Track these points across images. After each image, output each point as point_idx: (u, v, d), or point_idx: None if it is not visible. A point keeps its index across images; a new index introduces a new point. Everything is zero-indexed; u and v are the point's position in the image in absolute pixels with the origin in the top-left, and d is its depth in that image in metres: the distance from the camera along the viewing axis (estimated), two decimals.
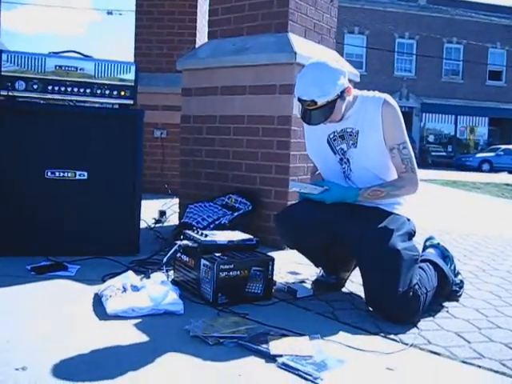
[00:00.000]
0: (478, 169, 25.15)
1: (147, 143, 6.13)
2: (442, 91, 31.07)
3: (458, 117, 32.38)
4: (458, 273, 2.65)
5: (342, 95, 2.28)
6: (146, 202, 4.36)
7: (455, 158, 28.77)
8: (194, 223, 3.29)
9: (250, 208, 3.46)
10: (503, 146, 27.41)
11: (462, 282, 2.62)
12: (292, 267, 2.89)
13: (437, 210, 6.88)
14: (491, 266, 3.38)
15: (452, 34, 31.21)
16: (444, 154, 31.41)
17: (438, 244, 2.68)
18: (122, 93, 3.10)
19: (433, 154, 30.75)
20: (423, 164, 26.63)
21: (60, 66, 3.00)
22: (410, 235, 2.38)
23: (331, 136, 2.45)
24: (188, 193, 4.00)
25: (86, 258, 2.91)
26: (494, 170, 25.03)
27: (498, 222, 6.00)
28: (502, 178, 17.79)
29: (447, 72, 31.91)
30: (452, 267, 2.57)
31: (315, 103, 2.23)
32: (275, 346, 1.80)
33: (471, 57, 31.47)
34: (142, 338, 1.89)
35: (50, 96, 3.01)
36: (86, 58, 3.12)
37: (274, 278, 2.47)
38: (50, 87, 2.98)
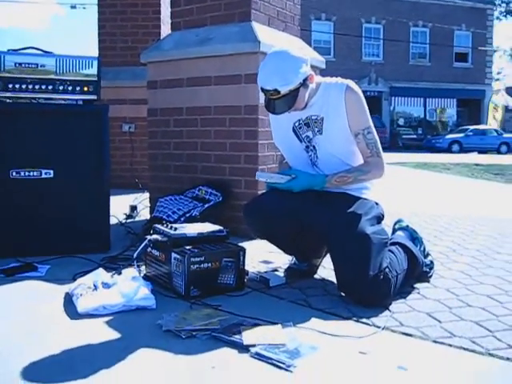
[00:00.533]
0: (448, 150, 25.45)
1: (116, 138, 6.08)
2: (410, 74, 31.31)
3: (427, 99, 32.67)
4: (428, 254, 2.68)
5: (304, 83, 2.27)
6: (117, 197, 4.33)
7: (425, 140, 29.04)
8: (164, 217, 3.27)
9: (221, 199, 3.45)
10: (472, 127, 27.77)
11: (432, 262, 2.65)
12: (264, 256, 2.89)
13: (408, 193, 6.95)
14: (461, 246, 3.42)
15: (418, 17, 31.44)
16: (414, 136, 31.75)
17: (407, 226, 2.70)
18: (85, 88, 3.06)
19: (403, 137, 31.07)
20: (394, 147, 26.90)
21: (20, 64, 2.95)
22: (379, 219, 2.40)
23: (296, 124, 2.45)
24: (158, 186, 3.98)
25: (56, 257, 2.88)
26: (463, 150, 25.37)
27: (468, 202, 6.08)
28: (472, 158, 18.04)
29: (414, 55, 32.17)
30: (421, 248, 2.60)
31: (278, 92, 2.23)
32: (248, 336, 1.80)
33: (437, 39, 31.74)
34: (114, 335, 1.87)
35: (10, 94, 2.95)
36: (47, 54, 3.08)
37: (247, 267, 2.47)
38: (10, 85, 2.94)
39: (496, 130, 27.59)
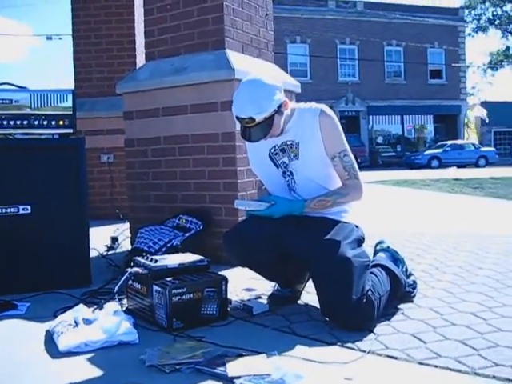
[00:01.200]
0: (428, 166, 25.71)
1: (95, 169, 6.06)
2: (387, 93, 31.69)
3: (404, 116, 33.06)
4: (411, 274, 2.68)
5: (279, 110, 2.29)
6: (98, 228, 4.30)
7: (405, 156, 29.33)
8: (145, 248, 3.25)
9: (202, 227, 3.44)
10: (450, 142, 28.15)
11: (414, 282, 2.65)
12: (247, 283, 2.88)
13: (388, 211, 6.99)
14: (444, 264, 3.43)
15: (391, 37, 31.96)
16: (393, 153, 32.03)
17: (388, 247, 2.70)
18: (61, 122, 3.05)
19: (383, 154, 31.33)
20: (374, 165, 27.11)
21: None
22: (359, 242, 2.40)
23: (272, 150, 2.46)
24: (138, 217, 3.95)
25: (37, 294, 2.83)
26: (442, 165, 25.61)
27: (449, 218, 6.12)
28: (451, 173, 18.21)
29: (390, 74, 32.61)
30: (404, 269, 2.60)
31: (253, 120, 2.24)
32: (232, 368, 1.77)
33: (411, 58, 32.25)
34: (97, 372, 1.84)
35: None
36: (21, 89, 3.06)
37: (230, 295, 2.45)
38: None
39: (473, 144, 28.00)
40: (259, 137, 2.30)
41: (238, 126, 3.39)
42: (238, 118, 2.28)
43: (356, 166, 2.43)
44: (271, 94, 2.25)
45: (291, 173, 2.44)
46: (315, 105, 2.43)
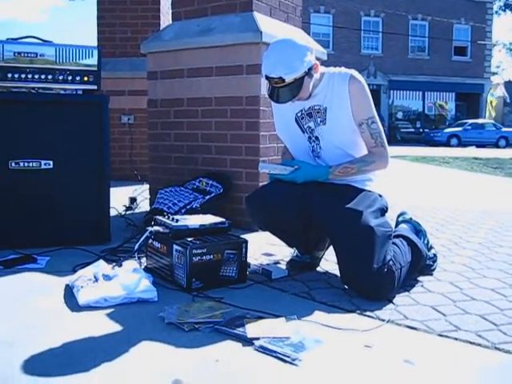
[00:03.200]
0: (447, 144, 25.45)
1: (115, 130, 6.05)
2: (409, 68, 31.25)
3: (426, 93, 32.63)
4: (431, 247, 2.66)
5: (309, 72, 2.24)
6: (116, 189, 4.31)
7: (424, 133, 29.03)
8: (165, 208, 3.24)
9: (222, 191, 3.42)
10: (470, 121, 27.77)
11: (435, 255, 2.63)
12: (266, 248, 2.87)
13: (407, 186, 6.93)
14: (463, 239, 3.40)
15: (417, 10, 31.35)
16: (413, 130, 31.73)
17: (411, 219, 2.68)
18: (86, 78, 3.02)
19: (402, 130, 31.07)
20: (392, 141, 26.88)
21: (19, 53, 2.91)
22: (383, 211, 2.37)
23: (299, 114, 2.42)
24: (158, 178, 3.95)
25: (56, 248, 2.85)
26: (462, 144, 25.36)
27: (468, 196, 6.06)
28: (471, 152, 18.02)
29: (413, 49, 32.09)
30: (425, 241, 2.58)
31: (283, 80, 2.19)
32: (252, 329, 1.77)
33: (436, 33, 31.66)
34: (116, 327, 1.85)
35: (10, 84, 2.92)
36: (46, 43, 3.04)
37: (248, 260, 2.44)
38: (9, 75, 2.89)
39: (495, 124, 27.56)
40: (287, 98, 2.25)
41: (262, 89, 3.36)
42: (267, 77, 2.23)
43: (383, 134, 2.39)
44: (302, 54, 2.21)
45: (317, 138, 2.40)
46: (345, 70, 2.38)
